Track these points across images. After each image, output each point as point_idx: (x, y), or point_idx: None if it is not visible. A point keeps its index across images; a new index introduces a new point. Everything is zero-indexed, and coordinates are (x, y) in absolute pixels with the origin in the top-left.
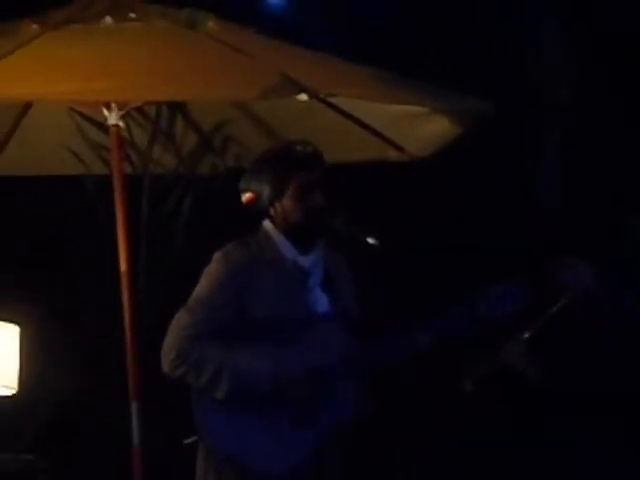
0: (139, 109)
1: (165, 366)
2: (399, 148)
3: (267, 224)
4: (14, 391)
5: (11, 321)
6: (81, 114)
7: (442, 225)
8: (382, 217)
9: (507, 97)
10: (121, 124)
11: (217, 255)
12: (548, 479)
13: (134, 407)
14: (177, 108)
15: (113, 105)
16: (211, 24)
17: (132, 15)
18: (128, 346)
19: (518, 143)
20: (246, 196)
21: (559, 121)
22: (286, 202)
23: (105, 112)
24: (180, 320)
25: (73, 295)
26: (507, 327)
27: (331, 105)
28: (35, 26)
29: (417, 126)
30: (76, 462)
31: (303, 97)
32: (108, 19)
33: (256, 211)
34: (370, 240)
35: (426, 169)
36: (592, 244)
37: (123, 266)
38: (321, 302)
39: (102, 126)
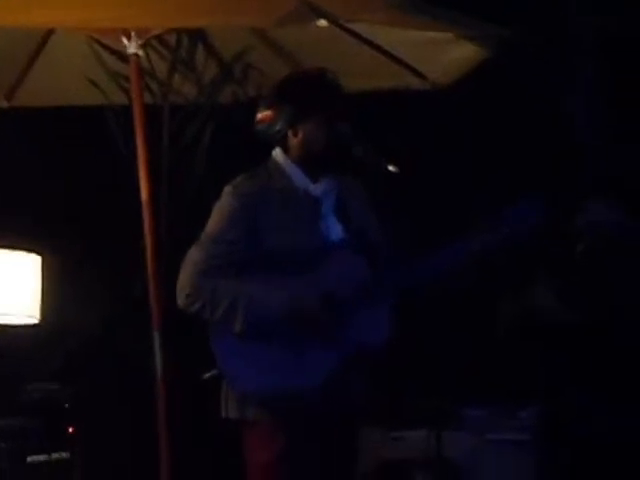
0: (159, 38)
1: (180, 302)
2: (421, 76)
3: (277, 153)
4: (37, 320)
5: (33, 251)
6: (101, 44)
7: (474, 155)
8: (402, 145)
9: (540, 26)
10: (141, 53)
11: (226, 189)
12: None
13: (156, 336)
14: (197, 37)
15: (132, 34)
16: None
17: None
18: (150, 275)
19: (553, 73)
20: (264, 114)
21: (595, 51)
22: (310, 127)
23: (125, 41)
24: (192, 256)
25: (95, 225)
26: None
27: (352, 32)
28: None
29: (440, 53)
30: (101, 390)
31: (323, 23)
32: None
33: (266, 134)
34: (391, 168)
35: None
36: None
37: (144, 195)
38: (335, 229)
39: (122, 56)
